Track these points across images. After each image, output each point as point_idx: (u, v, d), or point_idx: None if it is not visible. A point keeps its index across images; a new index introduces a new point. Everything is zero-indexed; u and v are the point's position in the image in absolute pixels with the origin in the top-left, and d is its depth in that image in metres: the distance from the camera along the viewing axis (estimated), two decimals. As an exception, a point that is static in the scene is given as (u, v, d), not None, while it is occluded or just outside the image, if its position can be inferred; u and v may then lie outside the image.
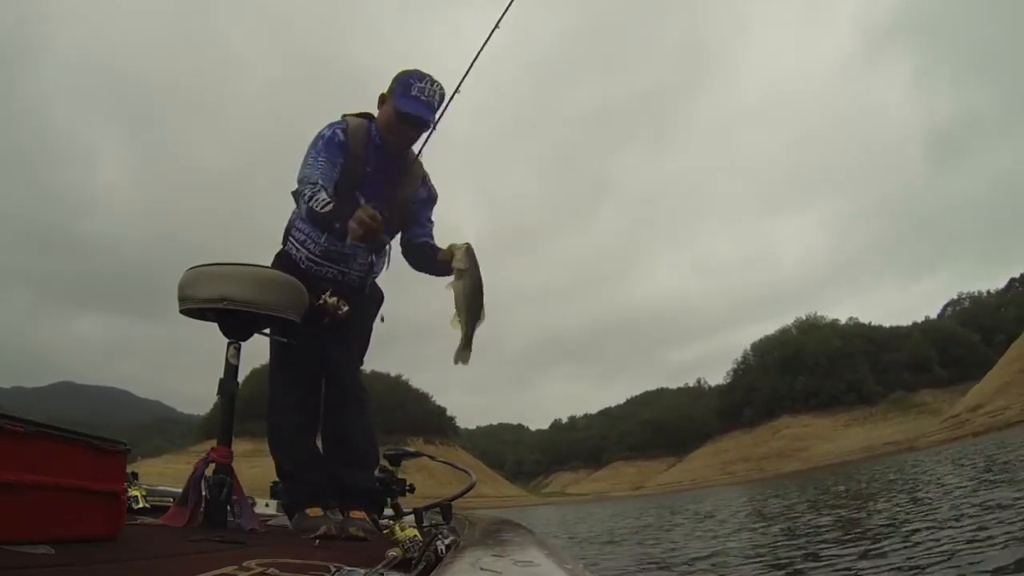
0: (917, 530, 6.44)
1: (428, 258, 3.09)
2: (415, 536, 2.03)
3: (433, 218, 3.27)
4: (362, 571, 1.39)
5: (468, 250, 2.75)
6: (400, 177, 3.12)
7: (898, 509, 8.98)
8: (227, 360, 2.81)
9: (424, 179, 3.21)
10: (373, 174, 3.06)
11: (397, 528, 2.18)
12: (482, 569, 1.07)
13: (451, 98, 2.97)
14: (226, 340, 2.83)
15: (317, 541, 2.40)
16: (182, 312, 2.86)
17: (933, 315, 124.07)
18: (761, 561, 6.30)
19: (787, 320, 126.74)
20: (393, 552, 1.68)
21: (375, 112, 3.10)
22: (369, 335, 3.35)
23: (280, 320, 2.89)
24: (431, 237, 3.20)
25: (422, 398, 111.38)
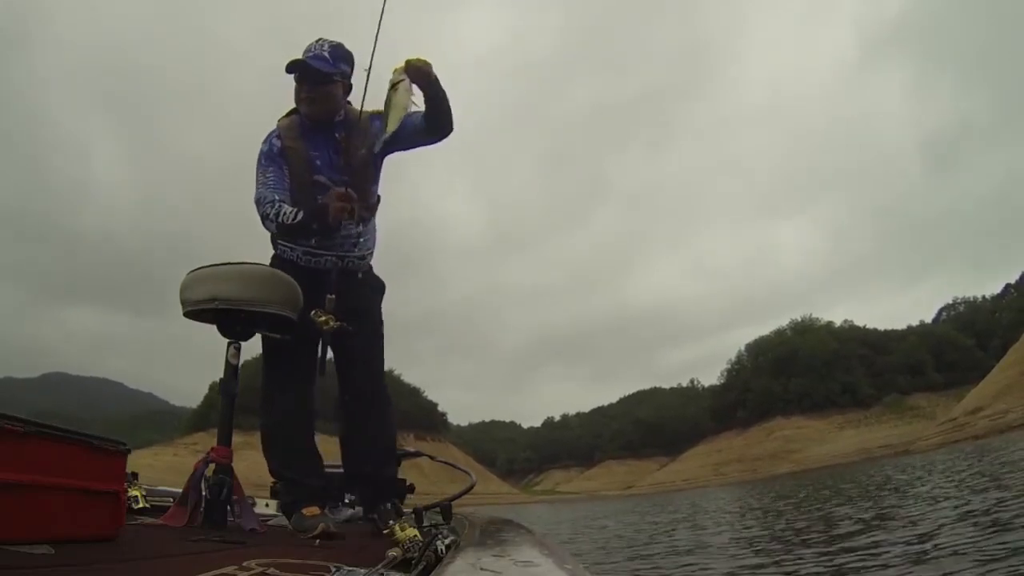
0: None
1: (426, 114, 3.03)
2: (415, 536, 2.03)
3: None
4: (362, 571, 1.39)
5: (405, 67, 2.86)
6: (350, 141, 3.08)
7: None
8: (227, 360, 2.81)
9: (372, 119, 3.08)
10: (321, 155, 3.07)
11: (397, 528, 2.17)
12: (482, 569, 1.07)
13: (367, 78, 2.90)
14: (226, 340, 2.83)
15: (317, 541, 2.40)
16: (185, 315, 2.88)
17: (928, 319, 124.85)
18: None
19: (782, 322, 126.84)
20: (393, 552, 1.68)
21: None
22: (381, 330, 3.32)
23: (275, 317, 2.88)
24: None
25: (413, 393, 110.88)
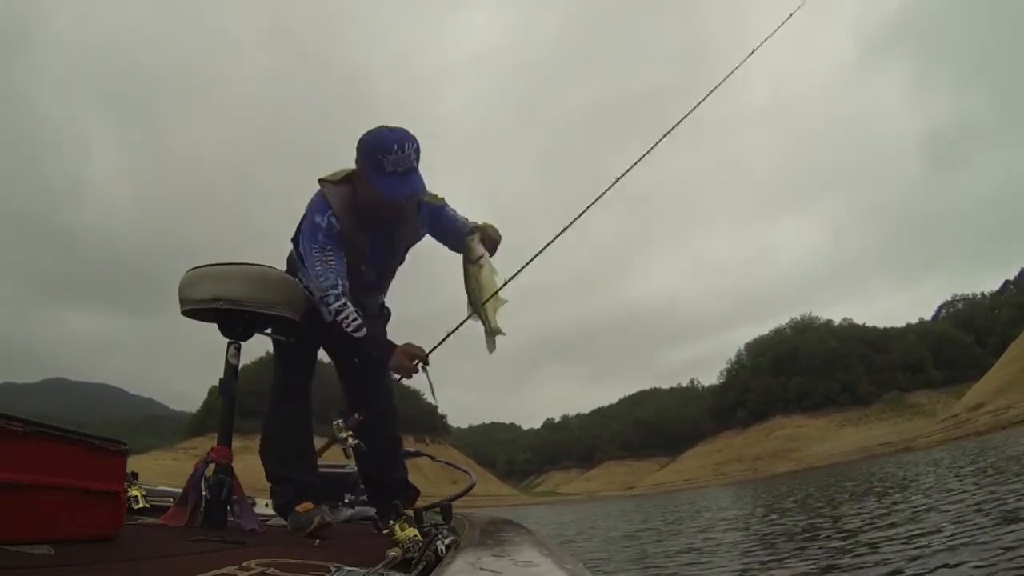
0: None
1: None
2: (415, 536, 2.03)
3: (454, 210, 3.10)
4: (362, 571, 1.39)
5: (481, 236, 2.87)
6: (398, 227, 3.01)
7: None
8: (227, 360, 2.81)
9: (421, 206, 3.02)
10: (372, 243, 2.96)
11: (397, 528, 2.17)
12: (482, 569, 1.07)
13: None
14: (226, 340, 2.83)
15: (317, 541, 2.40)
16: (183, 314, 2.87)
17: (927, 317, 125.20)
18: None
19: (781, 321, 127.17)
20: (393, 552, 1.68)
21: (347, 163, 2.90)
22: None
23: (278, 319, 2.89)
24: (470, 223, 3.07)
25: (412, 395, 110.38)
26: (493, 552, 1.31)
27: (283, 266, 3.18)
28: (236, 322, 2.85)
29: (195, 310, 2.85)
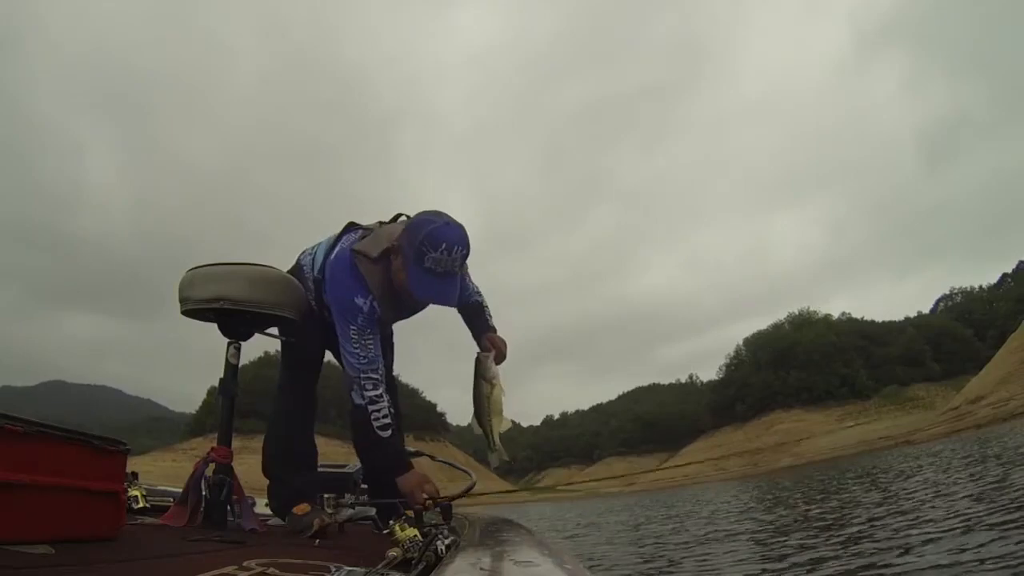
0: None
1: (476, 321, 3.05)
2: (415, 536, 2.02)
3: (469, 276, 3.08)
4: (362, 571, 1.39)
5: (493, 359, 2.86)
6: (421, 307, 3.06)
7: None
8: (227, 360, 2.81)
9: None
10: (399, 314, 3.05)
11: (397, 528, 2.17)
12: (482, 569, 1.07)
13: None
14: (226, 340, 2.83)
15: (316, 541, 2.40)
16: (183, 313, 2.86)
17: (926, 310, 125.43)
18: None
19: (780, 315, 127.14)
20: (393, 552, 1.67)
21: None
22: (392, 349, 3.39)
23: (279, 319, 2.90)
24: (478, 294, 3.10)
25: (412, 394, 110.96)
26: (493, 552, 1.31)
27: (283, 267, 3.19)
28: (237, 322, 2.84)
29: (195, 310, 2.84)
